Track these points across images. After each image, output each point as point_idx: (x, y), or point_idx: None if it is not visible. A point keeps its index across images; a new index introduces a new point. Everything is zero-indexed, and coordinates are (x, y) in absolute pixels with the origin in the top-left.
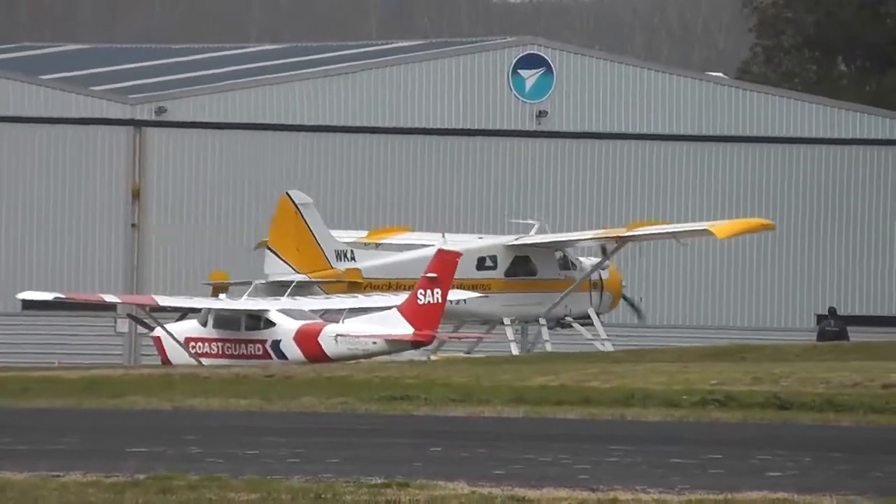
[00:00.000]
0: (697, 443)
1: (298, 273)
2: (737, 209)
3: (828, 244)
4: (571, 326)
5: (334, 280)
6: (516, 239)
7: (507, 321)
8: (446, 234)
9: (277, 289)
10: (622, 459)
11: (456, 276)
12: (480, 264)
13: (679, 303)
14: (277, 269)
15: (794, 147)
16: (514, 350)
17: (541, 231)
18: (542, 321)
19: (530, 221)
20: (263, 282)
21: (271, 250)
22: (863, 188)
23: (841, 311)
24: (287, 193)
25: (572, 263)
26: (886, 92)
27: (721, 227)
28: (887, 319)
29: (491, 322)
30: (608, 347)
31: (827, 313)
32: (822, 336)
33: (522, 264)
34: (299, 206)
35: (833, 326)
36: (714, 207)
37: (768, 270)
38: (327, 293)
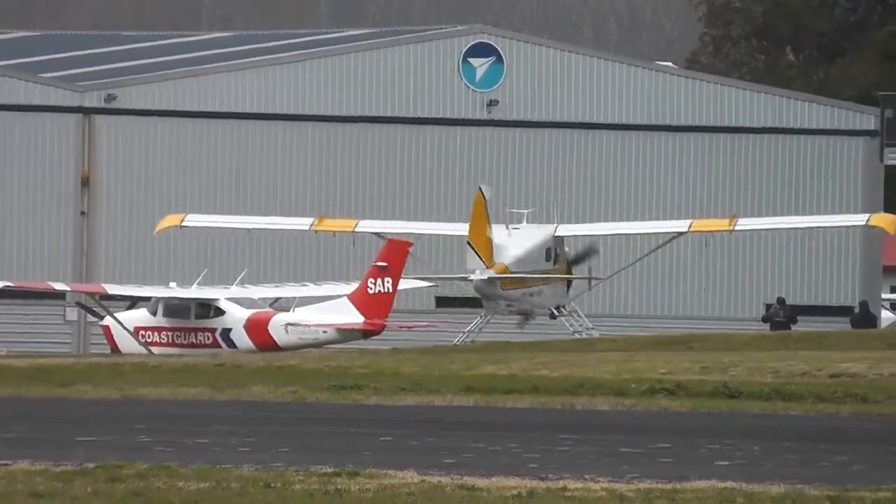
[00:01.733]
0: (646, 432)
1: (487, 268)
2: (685, 198)
3: (776, 233)
4: (558, 318)
5: (507, 276)
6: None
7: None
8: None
9: (490, 286)
10: (572, 448)
11: (529, 269)
12: (548, 256)
13: (627, 292)
14: (476, 265)
15: (743, 136)
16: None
17: (531, 220)
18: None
19: (522, 211)
20: (479, 278)
21: (470, 245)
22: (810, 177)
23: (789, 301)
24: (480, 188)
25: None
26: (834, 81)
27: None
28: (835, 309)
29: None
30: (595, 335)
31: (775, 302)
32: (770, 325)
33: (563, 255)
34: (488, 201)
35: (782, 316)
36: (662, 196)
37: (717, 259)
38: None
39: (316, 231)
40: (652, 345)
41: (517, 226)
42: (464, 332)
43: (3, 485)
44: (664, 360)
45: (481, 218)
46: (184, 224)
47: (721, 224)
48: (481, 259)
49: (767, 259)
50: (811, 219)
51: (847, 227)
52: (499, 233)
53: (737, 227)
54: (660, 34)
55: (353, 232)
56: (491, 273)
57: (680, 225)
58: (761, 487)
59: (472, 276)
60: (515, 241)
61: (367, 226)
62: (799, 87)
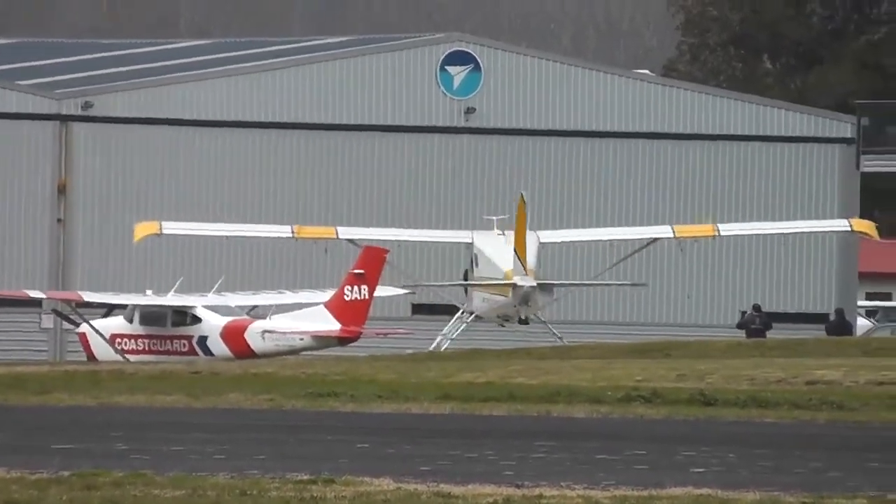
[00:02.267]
0: (622, 439)
1: (527, 275)
2: (663, 205)
3: (752, 241)
4: (528, 322)
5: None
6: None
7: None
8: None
9: (535, 292)
10: (548, 456)
11: (540, 275)
12: (540, 263)
13: (604, 299)
14: (518, 271)
15: (720, 144)
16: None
17: (500, 226)
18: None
19: (492, 217)
20: (530, 284)
21: (515, 252)
22: (787, 185)
23: (765, 308)
24: (522, 194)
25: None
26: (811, 90)
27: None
28: (811, 316)
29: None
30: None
31: (751, 309)
32: (746, 332)
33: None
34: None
35: (758, 323)
36: (640, 203)
37: (693, 266)
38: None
39: (297, 238)
40: (628, 352)
41: (502, 233)
42: (442, 336)
43: None
44: (640, 368)
45: (523, 224)
46: (163, 232)
47: (705, 230)
48: (523, 266)
49: (743, 266)
50: (794, 224)
51: (830, 232)
52: (497, 240)
53: (722, 233)
54: (638, 42)
55: (337, 239)
56: (532, 280)
57: (662, 230)
58: (737, 494)
59: (521, 282)
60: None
61: (348, 233)
62: (776, 95)
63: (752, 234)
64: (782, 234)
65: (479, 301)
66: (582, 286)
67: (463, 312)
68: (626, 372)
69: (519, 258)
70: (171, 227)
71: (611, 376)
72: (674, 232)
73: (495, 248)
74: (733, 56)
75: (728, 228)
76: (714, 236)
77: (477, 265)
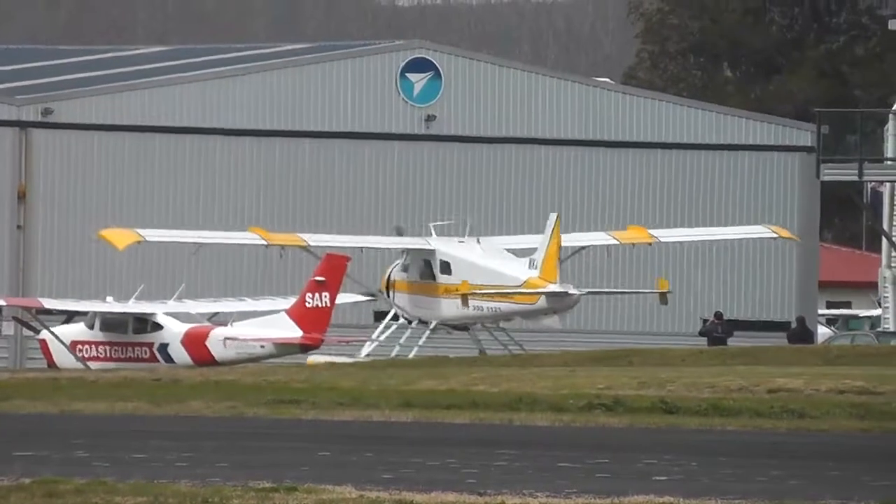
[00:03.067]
0: (584, 447)
1: (551, 284)
2: (622, 213)
3: (712, 248)
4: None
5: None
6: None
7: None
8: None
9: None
10: (510, 464)
11: None
12: None
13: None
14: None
15: (680, 152)
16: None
17: (441, 233)
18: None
19: (443, 223)
20: (581, 293)
21: (532, 262)
22: (748, 193)
23: (726, 316)
24: (557, 215)
25: None
26: (770, 98)
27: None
28: (772, 324)
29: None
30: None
31: (713, 317)
32: (708, 340)
33: None
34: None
35: (720, 331)
36: (600, 211)
37: (653, 274)
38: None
39: (268, 246)
40: (591, 360)
41: (464, 240)
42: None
43: None
44: (603, 376)
45: (558, 238)
46: (145, 240)
47: (642, 235)
48: (549, 277)
49: (705, 274)
50: (724, 230)
51: (758, 238)
52: (471, 247)
53: (661, 239)
54: (597, 50)
55: (308, 247)
56: (580, 289)
57: (603, 237)
58: (699, 502)
59: (573, 291)
60: (507, 256)
61: (316, 240)
62: (736, 104)
63: (684, 241)
64: (712, 240)
65: (456, 309)
66: (612, 294)
67: (399, 319)
68: (589, 380)
69: (541, 269)
70: (152, 235)
71: (573, 384)
72: (615, 238)
73: (480, 255)
74: (693, 64)
75: (664, 234)
76: (652, 243)
77: (444, 272)
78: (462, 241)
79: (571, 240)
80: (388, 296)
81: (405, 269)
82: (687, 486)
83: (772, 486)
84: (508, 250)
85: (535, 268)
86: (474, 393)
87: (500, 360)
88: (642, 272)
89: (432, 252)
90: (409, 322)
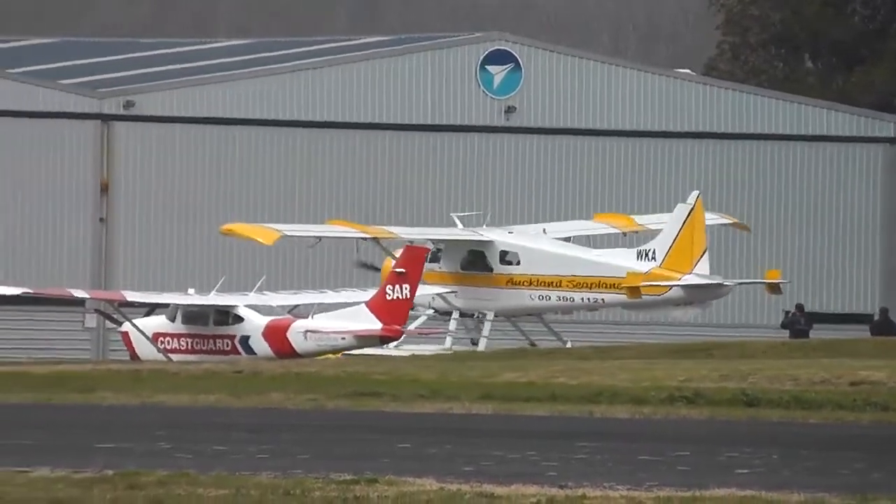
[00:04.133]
0: (665, 440)
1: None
2: (704, 204)
3: (795, 240)
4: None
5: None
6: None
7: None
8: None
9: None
10: (590, 456)
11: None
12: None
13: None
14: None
15: (762, 143)
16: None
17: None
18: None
19: (460, 216)
20: (727, 282)
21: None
22: (830, 185)
23: (807, 308)
24: (698, 193)
25: None
26: (852, 89)
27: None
28: (855, 316)
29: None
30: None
31: (794, 309)
32: (790, 332)
33: None
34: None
35: (802, 324)
36: (680, 202)
37: (735, 266)
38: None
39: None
40: (671, 353)
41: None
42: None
43: (24, 492)
44: (683, 368)
45: (697, 223)
46: (284, 234)
47: (624, 221)
48: (688, 266)
49: (786, 266)
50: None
51: (717, 225)
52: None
53: (639, 223)
54: (678, 41)
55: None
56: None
57: (594, 226)
58: (781, 496)
59: (728, 282)
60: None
61: (408, 233)
62: (817, 95)
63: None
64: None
65: (529, 299)
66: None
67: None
68: (669, 372)
69: (669, 258)
70: (289, 230)
71: (653, 377)
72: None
73: (561, 246)
74: (774, 55)
75: (644, 220)
76: (627, 233)
77: (505, 263)
78: (511, 232)
79: (555, 229)
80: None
81: (434, 259)
82: (768, 478)
83: (854, 479)
84: (565, 238)
85: (651, 259)
86: (554, 385)
87: (579, 353)
88: (725, 265)
89: (488, 243)
90: (443, 313)
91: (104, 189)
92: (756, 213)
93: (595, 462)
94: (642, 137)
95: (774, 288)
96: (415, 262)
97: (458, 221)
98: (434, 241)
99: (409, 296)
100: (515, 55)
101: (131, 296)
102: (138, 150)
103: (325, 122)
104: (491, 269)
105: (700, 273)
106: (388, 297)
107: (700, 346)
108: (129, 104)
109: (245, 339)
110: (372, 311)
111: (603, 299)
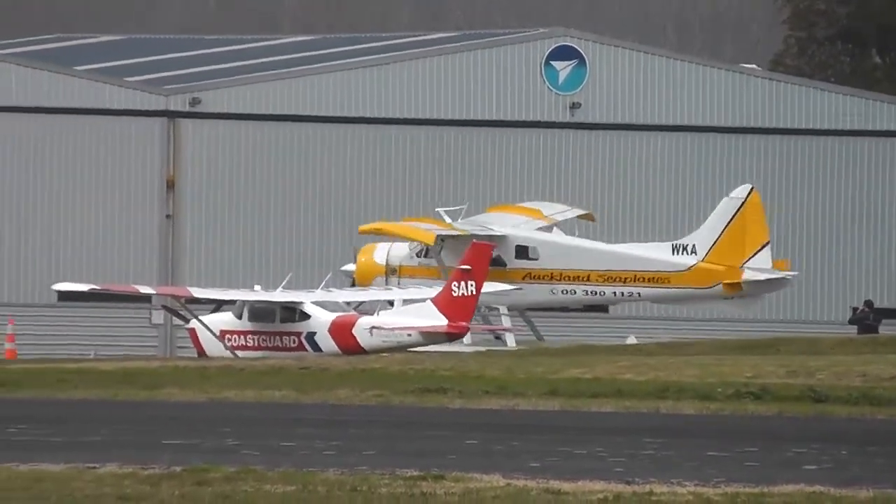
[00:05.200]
0: (732, 436)
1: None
2: (769, 200)
3: (862, 236)
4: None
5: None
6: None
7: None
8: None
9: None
10: (657, 452)
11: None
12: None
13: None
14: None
15: (829, 139)
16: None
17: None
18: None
19: (446, 210)
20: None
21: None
22: None
23: (876, 304)
24: (753, 188)
25: None
26: None
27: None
28: None
29: None
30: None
31: (863, 305)
32: (858, 328)
33: None
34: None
35: (872, 319)
36: None
37: (802, 262)
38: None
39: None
40: (737, 348)
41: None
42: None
43: (92, 488)
44: (750, 364)
45: (752, 215)
46: (439, 234)
47: (528, 212)
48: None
49: (855, 261)
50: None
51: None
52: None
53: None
54: (744, 36)
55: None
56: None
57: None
58: (849, 492)
59: (790, 275)
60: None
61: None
62: (885, 90)
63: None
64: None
65: (550, 294)
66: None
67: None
68: (736, 368)
69: (716, 251)
70: (441, 231)
71: (720, 372)
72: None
73: (585, 241)
74: (841, 50)
75: (550, 210)
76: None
77: (522, 258)
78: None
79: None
80: (386, 281)
81: (426, 254)
82: (837, 475)
83: None
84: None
85: (691, 253)
86: (620, 381)
87: (646, 349)
88: (793, 262)
89: (501, 238)
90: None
91: (170, 186)
92: (823, 209)
93: (662, 458)
94: (708, 133)
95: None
96: (480, 258)
97: (444, 216)
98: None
99: (474, 292)
100: (580, 51)
101: (198, 292)
102: (204, 147)
103: (389, 118)
104: (504, 265)
105: (753, 267)
106: (454, 294)
107: (767, 341)
108: (195, 101)
109: (311, 336)
110: (438, 307)
111: (639, 293)
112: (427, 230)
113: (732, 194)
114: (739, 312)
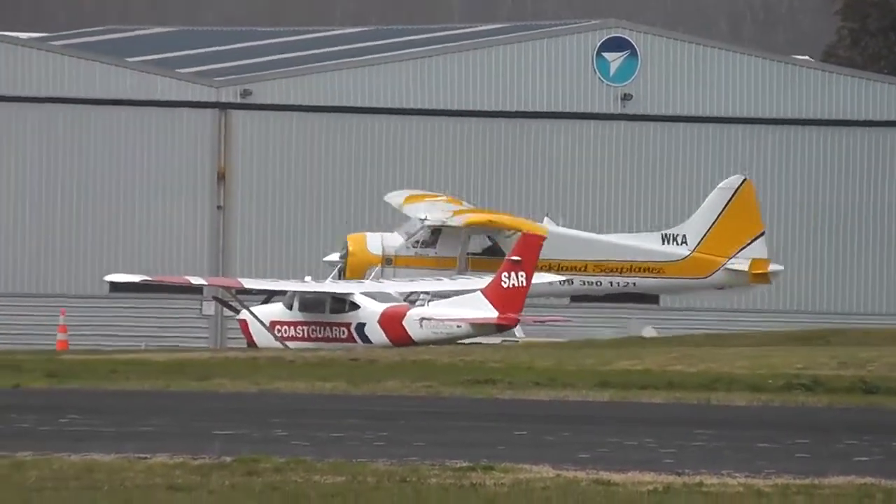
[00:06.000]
0: (783, 427)
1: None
2: (822, 193)
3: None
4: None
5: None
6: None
7: None
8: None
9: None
10: (707, 444)
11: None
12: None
13: (762, 287)
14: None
15: (881, 130)
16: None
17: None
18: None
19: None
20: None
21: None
22: None
23: None
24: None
25: None
26: None
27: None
28: None
29: None
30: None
31: None
32: None
33: None
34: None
35: None
36: (799, 190)
37: (853, 253)
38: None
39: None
40: (788, 340)
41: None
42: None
43: (143, 478)
44: (800, 356)
45: (746, 206)
46: (550, 231)
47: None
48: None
49: None
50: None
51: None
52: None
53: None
54: (795, 27)
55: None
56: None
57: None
58: None
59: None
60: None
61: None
62: None
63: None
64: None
65: (547, 285)
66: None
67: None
68: (786, 360)
69: (705, 243)
70: (554, 228)
71: (771, 364)
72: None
73: (580, 232)
74: (894, 41)
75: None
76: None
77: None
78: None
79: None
80: (381, 272)
81: (425, 244)
82: (888, 466)
83: None
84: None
85: (682, 243)
86: (671, 373)
87: (695, 340)
88: (845, 253)
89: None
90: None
91: (221, 177)
92: (876, 201)
93: (712, 449)
94: (760, 124)
95: (760, 277)
96: (530, 249)
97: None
98: (433, 227)
99: (525, 283)
100: (632, 42)
101: (248, 283)
102: (255, 139)
103: (440, 109)
104: (504, 255)
105: (746, 258)
106: (504, 285)
107: (818, 333)
108: (246, 93)
109: (361, 327)
110: (488, 298)
111: (634, 283)
112: (541, 225)
113: (723, 184)
114: (727, 301)
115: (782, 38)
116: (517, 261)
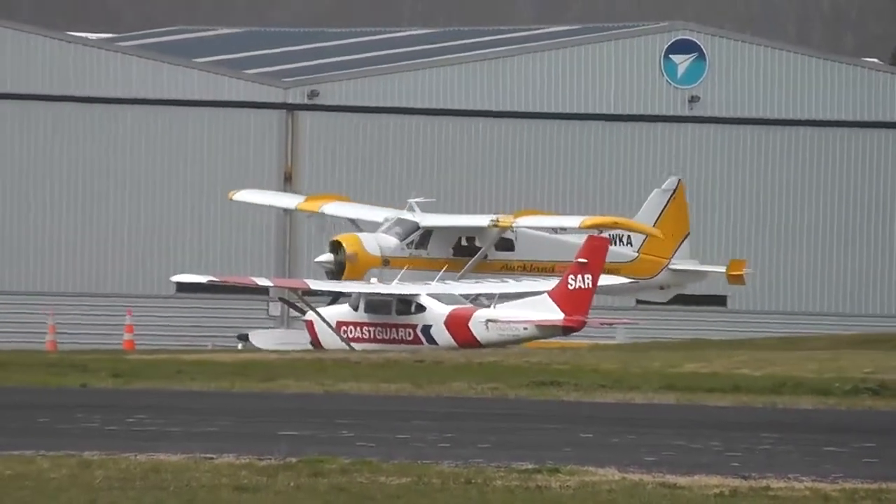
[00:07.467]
0: (850, 431)
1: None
2: (892, 196)
3: None
4: None
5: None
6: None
7: None
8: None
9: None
10: (774, 447)
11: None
12: None
13: (829, 290)
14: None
15: None
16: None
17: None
18: None
19: (418, 201)
20: None
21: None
22: None
23: None
24: (679, 179)
25: None
26: None
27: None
28: None
29: None
30: None
31: None
32: None
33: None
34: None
35: None
36: (871, 194)
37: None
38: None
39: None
40: (856, 343)
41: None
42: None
43: (209, 478)
44: (869, 359)
45: (677, 206)
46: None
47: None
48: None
49: None
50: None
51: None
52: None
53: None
54: (865, 30)
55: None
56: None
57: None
58: None
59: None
60: None
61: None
62: None
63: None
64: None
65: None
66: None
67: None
68: (854, 363)
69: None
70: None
71: (838, 367)
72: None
73: (543, 234)
74: None
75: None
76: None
77: (502, 249)
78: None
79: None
80: (379, 274)
81: (417, 245)
82: None
83: None
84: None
85: (626, 244)
86: (737, 376)
87: (763, 343)
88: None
89: (480, 229)
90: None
91: (288, 178)
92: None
93: (779, 453)
94: (829, 127)
95: (737, 279)
96: (596, 252)
97: (416, 207)
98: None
99: (591, 286)
100: (700, 44)
101: (315, 284)
102: (322, 140)
103: (507, 111)
104: (485, 256)
105: (682, 258)
106: (571, 287)
107: (887, 336)
108: (313, 94)
109: (427, 329)
110: (554, 300)
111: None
112: (655, 228)
113: (664, 186)
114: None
115: (851, 41)
116: (583, 263)
